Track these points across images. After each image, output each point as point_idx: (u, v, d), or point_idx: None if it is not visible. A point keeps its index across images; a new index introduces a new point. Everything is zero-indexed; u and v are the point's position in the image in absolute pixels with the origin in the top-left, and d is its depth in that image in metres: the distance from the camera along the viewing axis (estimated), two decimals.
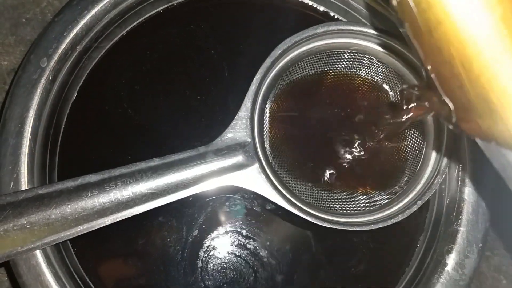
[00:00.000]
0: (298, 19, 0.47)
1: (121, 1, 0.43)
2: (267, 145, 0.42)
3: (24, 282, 0.37)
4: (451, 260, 0.40)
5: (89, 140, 0.44)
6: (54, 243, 0.37)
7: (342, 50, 0.43)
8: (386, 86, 0.44)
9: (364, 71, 0.44)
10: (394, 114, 0.37)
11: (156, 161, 0.38)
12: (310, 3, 0.48)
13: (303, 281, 0.43)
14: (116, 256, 0.43)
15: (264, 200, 0.40)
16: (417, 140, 0.43)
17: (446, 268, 0.40)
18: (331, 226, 0.39)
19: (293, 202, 0.39)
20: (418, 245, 0.43)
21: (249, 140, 0.39)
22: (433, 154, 0.41)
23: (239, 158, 0.39)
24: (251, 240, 0.43)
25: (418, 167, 0.42)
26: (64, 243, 0.41)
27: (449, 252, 0.40)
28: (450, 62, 0.22)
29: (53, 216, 0.36)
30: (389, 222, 0.39)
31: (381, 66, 0.43)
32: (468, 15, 0.20)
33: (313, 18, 0.47)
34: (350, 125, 0.44)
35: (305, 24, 0.41)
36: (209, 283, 0.42)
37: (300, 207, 0.39)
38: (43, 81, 0.40)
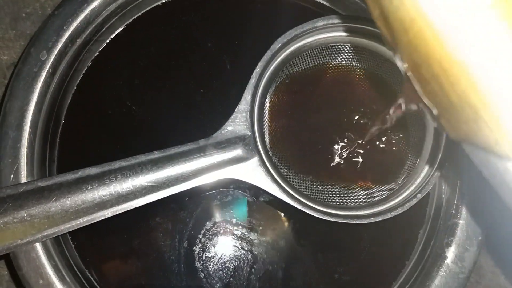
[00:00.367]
0: (298, 13, 0.47)
1: None
2: (267, 139, 0.42)
3: (24, 275, 0.37)
4: (451, 253, 0.40)
5: (88, 133, 0.44)
6: (54, 236, 0.37)
7: (341, 44, 0.43)
8: (386, 80, 0.44)
9: (364, 65, 0.44)
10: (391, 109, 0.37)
11: (156, 154, 0.38)
12: None
13: (301, 274, 0.43)
14: (115, 249, 0.43)
15: (263, 193, 0.40)
16: (417, 134, 0.43)
17: (445, 261, 0.40)
18: (331, 219, 0.39)
19: (292, 195, 0.39)
20: (418, 238, 0.43)
21: (249, 133, 0.39)
22: (433, 147, 0.41)
23: (238, 151, 0.39)
24: (250, 234, 0.43)
25: (417, 161, 0.42)
26: (64, 236, 0.41)
27: (448, 245, 0.40)
28: (428, 62, 0.20)
29: (53, 208, 0.36)
30: (389, 215, 0.39)
31: (380, 60, 0.43)
32: (439, 11, 0.19)
33: (313, 12, 0.47)
34: (350, 119, 0.44)
35: (304, 17, 0.41)
36: (207, 273, 0.42)
37: (299, 200, 0.39)
38: (43, 74, 0.40)
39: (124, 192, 0.37)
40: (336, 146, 0.43)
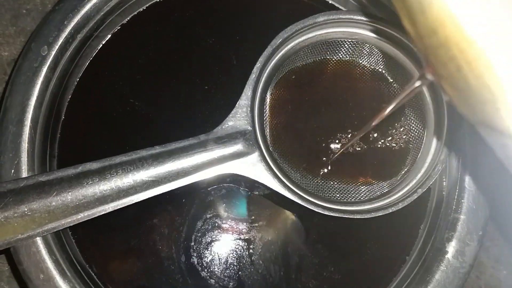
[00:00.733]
0: (299, 8, 0.47)
1: None
2: (268, 134, 0.42)
3: (25, 269, 0.37)
4: (452, 248, 0.40)
5: (89, 128, 0.44)
6: (55, 230, 0.37)
7: (342, 39, 0.43)
8: (386, 75, 0.44)
9: (364, 60, 0.44)
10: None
11: (157, 149, 0.38)
12: None
13: (302, 269, 0.43)
14: (116, 244, 0.43)
15: (263, 188, 0.40)
16: (418, 129, 0.43)
17: (446, 256, 0.40)
18: (332, 214, 0.39)
19: (293, 190, 0.39)
20: (418, 233, 0.43)
21: (249, 128, 0.39)
22: (434, 143, 0.41)
23: (239, 146, 0.39)
24: (251, 229, 0.43)
25: (418, 156, 0.42)
26: (65, 231, 0.41)
27: (449, 240, 0.40)
28: (446, 44, 0.21)
29: (53, 203, 0.36)
30: (390, 210, 0.39)
31: (381, 55, 0.43)
32: None
33: (314, 7, 0.47)
34: (351, 114, 0.44)
35: (305, 13, 0.41)
36: (206, 265, 0.42)
37: (300, 195, 0.39)
38: (43, 69, 0.40)
39: (125, 186, 0.37)
40: (337, 141, 0.43)
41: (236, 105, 0.40)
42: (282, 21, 0.41)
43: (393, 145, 0.43)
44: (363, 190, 0.42)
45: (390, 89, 0.44)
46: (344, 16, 0.42)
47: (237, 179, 0.43)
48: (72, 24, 0.41)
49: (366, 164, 0.43)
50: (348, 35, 0.43)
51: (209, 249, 0.43)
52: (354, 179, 0.43)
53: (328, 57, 0.44)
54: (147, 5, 0.46)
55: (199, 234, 0.43)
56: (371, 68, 0.44)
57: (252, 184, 0.43)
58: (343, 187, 0.42)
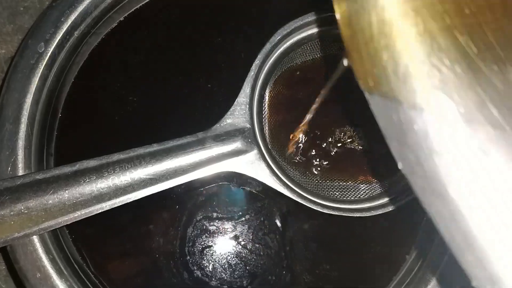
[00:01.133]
0: (298, 5, 0.46)
1: None
2: (267, 131, 0.42)
3: (21, 268, 0.37)
4: None
5: (86, 126, 0.44)
6: (52, 229, 0.36)
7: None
8: None
9: None
10: None
11: (155, 147, 0.38)
12: None
13: (301, 268, 0.42)
14: (113, 242, 0.43)
15: (260, 185, 0.40)
16: None
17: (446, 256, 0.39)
18: (331, 212, 0.38)
19: (292, 188, 0.39)
20: (418, 231, 0.43)
21: (248, 126, 0.39)
22: None
23: (238, 144, 0.39)
24: (250, 228, 0.43)
25: None
26: (62, 229, 0.41)
27: None
28: None
29: (50, 201, 0.36)
30: (390, 208, 0.39)
31: None
32: None
33: (313, 4, 0.47)
34: (351, 111, 0.44)
35: (305, 9, 0.41)
36: (205, 262, 0.42)
37: (299, 193, 0.39)
38: (40, 66, 0.40)
39: (122, 184, 0.37)
40: (336, 139, 0.43)
41: (235, 102, 0.39)
42: (282, 17, 0.41)
43: None
44: (362, 188, 0.42)
45: None
46: None
47: (233, 176, 0.43)
48: (69, 21, 0.41)
49: (366, 161, 0.43)
50: None
51: (205, 247, 0.42)
52: (354, 177, 0.42)
53: (328, 54, 0.44)
54: (145, 2, 0.45)
55: (196, 232, 0.43)
56: None
57: (250, 181, 0.43)
58: (343, 185, 0.42)
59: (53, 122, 0.43)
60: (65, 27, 0.41)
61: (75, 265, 0.39)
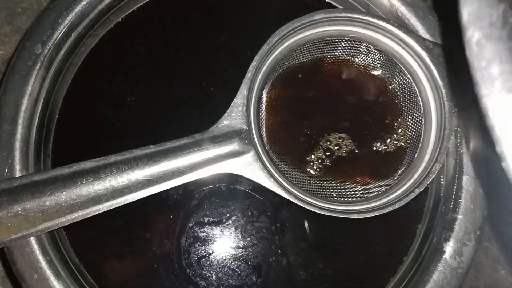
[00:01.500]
0: (295, 6, 0.46)
1: None
2: (264, 133, 0.42)
3: (19, 269, 0.37)
4: (449, 248, 0.39)
5: (84, 127, 0.44)
6: (49, 230, 0.37)
7: (339, 38, 0.43)
8: (383, 73, 0.44)
9: (361, 59, 0.44)
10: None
11: (152, 148, 0.38)
12: None
13: (299, 269, 0.42)
14: (110, 244, 0.43)
15: (259, 186, 0.40)
16: (416, 128, 0.42)
17: (444, 256, 0.39)
18: (328, 214, 0.38)
19: (289, 190, 0.39)
20: (416, 233, 0.43)
21: (245, 127, 0.39)
22: (432, 142, 0.41)
23: (235, 146, 0.39)
24: (248, 228, 0.43)
25: (416, 155, 0.42)
26: (59, 231, 0.41)
27: (447, 240, 0.40)
28: None
29: (47, 203, 0.36)
30: (387, 210, 0.38)
31: (378, 53, 0.43)
32: None
33: (310, 5, 0.47)
34: (348, 113, 0.44)
35: (302, 11, 0.41)
36: (200, 263, 0.42)
37: (296, 194, 0.39)
38: (38, 67, 0.40)
39: (120, 186, 0.37)
40: (334, 140, 0.43)
41: (232, 104, 0.39)
42: (279, 18, 0.41)
43: (390, 144, 0.43)
44: (360, 189, 0.42)
45: (387, 87, 0.44)
46: (341, 14, 0.42)
47: (236, 178, 0.43)
48: (66, 22, 0.41)
49: (363, 163, 0.43)
50: (345, 33, 0.43)
51: (202, 248, 0.42)
52: (351, 178, 0.42)
53: (325, 56, 0.44)
54: (142, 4, 0.45)
55: (193, 233, 0.43)
56: (368, 66, 0.44)
57: (251, 184, 0.43)
58: (340, 187, 0.42)
59: (51, 123, 0.43)
60: (62, 29, 0.41)
61: (73, 267, 0.39)
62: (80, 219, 0.36)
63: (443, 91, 0.40)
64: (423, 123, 0.42)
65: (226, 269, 0.42)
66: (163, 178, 0.38)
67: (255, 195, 0.43)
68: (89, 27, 0.43)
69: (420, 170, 0.41)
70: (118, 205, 0.37)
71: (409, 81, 0.43)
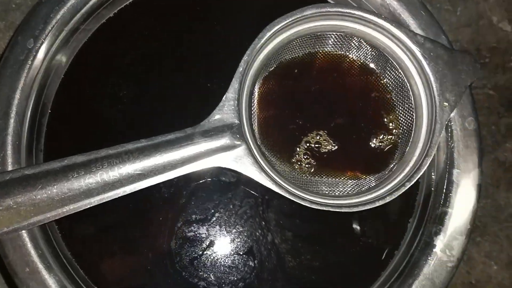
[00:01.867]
0: (287, 0, 0.46)
1: None
2: (255, 127, 0.42)
3: (10, 263, 0.37)
4: (440, 242, 0.40)
5: (76, 121, 0.44)
6: (40, 224, 0.37)
7: (330, 32, 0.43)
8: (375, 68, 0.44)
9: (353, 53, 0.44)
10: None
11: (143, 142, 0.38)
12: None
13: (289, 264, 0.42)
14: (102, 238, 0.43)
15: (253, 182, 0.40)
16: (407, 122, 0.43)
17: (434, 250, 0.40)
18: (319, 208, 0.38)
19: (280, 184, 0.39)
20: (407, 228, 0.43)
21: (236, 121, 0.39)
22: (422, 136, 0.41)
23: (226, 140, 0.39)
24: (240, 223, 0.43)
25: (407, 149, 0.42)
26: (51, 224, 0.41)
27: (437, 233, 0.40)
28: None
29: (39, 196, 0.36)
30: (377, 204, 0.38)
31: (370, 48, 0.43)
32: None
33: (302, 0, 0.47)
34: (340, 108, 0.44)
35: (293, 5, 0.41)
36: (194, 264, 0.42)
37: (287, 189, 0.39)
38: (30, 62, 0.40)
39: (111, 180, 0.37)
40: (325, 135, 0.43)
41: (223, 98, 0.39)
42: (271, 13, 0.41)
43: (381, 138, 0.43)
44: (350, 184, 0.42)
45: (379, 82, 0.44)
46: (332, 9, 0.42)
47: (229, 173, 0.43)
48: (59, 17, 0.41)
49: (354, 157, 0.43)
50: (337, 28, 0.43)
51: (196, 244, 0.42)
52: (342, 173, 0.42)
53: (316, 50, 0.44)
54: None
55: (187, 228, 0.43)
56: (360, 61, 0.44)
57: (243, 179, 0.43)
58: (331, 181, 0.42)
59: (43, 117, 0.43)
60: (54, 23, 0.41)
61: (64, 261, 0.40)
62: (71, 213, 0.37)
63: (434, 85, 0.40)
64: (414, 117, 0.42)
65: (225, 265, 0.42)
66: (154, 172, 0.38)
67: (247, 189, 0.44)
68: (81, 22, 0.43)
69: (411, 164, 0.41)
70: (109, 199, 0.37)
71: (400, 76, 0.43)
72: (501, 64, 0.54)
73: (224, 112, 0.39)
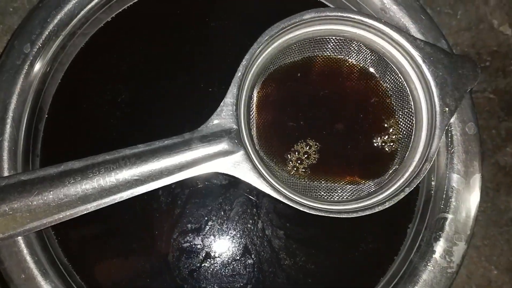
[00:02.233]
0: (285, 5, 0.46)
1: None
2: (254, 132, 0.42)
3: (6, 269, 0.37)
4: (439, 247, 0.39)
5: (73, 127, 0.44)
6: (37, 230, 0.36)
7: (330, 37, 0.43)
8: (375, 72, 0.44)
9: (352, 58, 0.44)
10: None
11: (140, 148, 0.38)
12: None
13: (288, 268, 0.42)
14: (100, 244, 0.42)
15: (252, 188, 0.40)
16: (406, 127, 0.42)
17: (434, 256, 0.39)
18: (318, 214, 0.38)
19: (278, 189, 0.38)
20: (406, 233, 0.43)
21: (234, 126, 0.39)
22: (422, 141, 0.41)
23: (224, 145, 0.38)
24: (236, 228, 0.43)
25: (407, 154, 0.41)
26: (47, 230, 0.41)
27: (437, 239, 0.40)
28: None
29: (35, 202, 0.36)
30: (376, 209, 0.38)
31: (369, 52, 0.43)
32: None
33: (301, 4, 0.46)
34: (339, 112, 0.44)
35: (292, 10, 0.41)
36: (190, 267, 0.42)
37: (285, 194, 0.38)
38: (26, 67, 0.40)
39: (108, 186, 0.37)
40: (324, 140, 0.43)
41: (222, 103, 0.39)
42: (270, 18, 0.41)
43: (381, 143, 0.43)
44: (350, 189, 0.42)
45: (378, 87, 0.44)
46: (331, 13, 0.41)
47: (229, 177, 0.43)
48: (56, 21, 0.41)
49: (353, 162, 0.43)
50: (336, 32, 0.42)
51: (191, 246, 0.42)
52: (341, 178, 0.42)
53: (315, 55, 0.44)
54: (132, 3, 0.45)
55: (182, 231, 0.42)
56: (359, 65, 0.44)
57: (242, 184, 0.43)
58: (330, 186, 0.42)
59: (40, 123, 0.43)
60: (51, 28, 0.41)
61: (61, 267, 0.39)
62: (68, 219, 0.36)
63: (434, 90, 0.40)
64: (414, 122, 0.42)
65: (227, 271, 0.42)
66: (151, 178, 0.38)
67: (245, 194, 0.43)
68: (78, 26, 0.43)
69: (410, 169, 0.40)
70: (106, 205, 0.37)
71: (400, 80, 0.43)
72: (501, 68, 0.54)
73: (222, 117, 0.39)
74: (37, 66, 0.41)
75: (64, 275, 0.39)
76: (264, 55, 0.42)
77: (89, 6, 0.42)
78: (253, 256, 0.42)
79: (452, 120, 0.41)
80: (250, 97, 0.42)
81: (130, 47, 0.45)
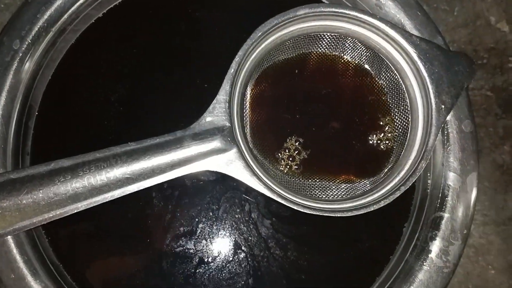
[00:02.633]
0: (279, 0, 0.46)
1: None
2: (247, 130, 0.41)
3: None
4: (435, 247, 0.39)
5: (63, 125, 0.43)
6: (26, 229, 0.36)
7: (324, 33, 0.42)
8: (369, 69, 0.43)
9: (347, 54, 0.43)
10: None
11: (132, 146, 0.37)
12: None
13: (284, 267, 0.42)
14: (91, 243, 0.42)
15: (245, 187, 0.39)
16: (402, 124, 0.42)
17: (429, 255, 0.39)
18: (312, 212, 0.38)
19: (272, 188, 0.38)
20: (402, 232, 0.42)
21: (227, 124, 0.38)
22: (418, 139, 0.40)
23: (217, 143, 0.38)
24: (231, 227, 0.42)
25: (402, 153, 0.41)
26: (38, 230, 0.40)
27: (433, 238, 0.39)
28: None
29: (24, 201, 0.35)
30: (371, 208, 0.38)
31: (364, 49, 0.42)
32: None
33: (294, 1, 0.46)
34: (334, 110, 0.43)
35: (286, 5, 0.40)
36: (184, 266, 0.41)
37: (279, 193, 0.38)
38: (16, 63, 0.40)
39: (98, 184, 0.36)
40: (319, 137, 0.42)
41: (214, 100, 0.39)
42: (265, 13, 0.40)
43: (377, 141, 0.42)
44: (344, 187, 0.41)
45: (373, 83, 0.43)
46: (326, 9, 0.41)
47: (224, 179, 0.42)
48: (45, 17, 0.40)
49: (348, 161, 0.42)
50: (330, 28, 0.42)
51: (184, 246, 0.42)
52: (336, 176, 0.42)
53: (310, 51, 0.43)
54: None
55: (175, 231, 0.42)
56: (354, 62, 0.43)
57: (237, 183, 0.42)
58: (325, 185, 0.41)
59: (30, 120, 0.42)
60: (41, 24, 0.40)
61: (51, 267, 0.39)
62: (58, 218, 0.36)
63: (430, 87, 0.39)
64: (409, 119, 0.41)
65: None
66: (143, 176, 0.37)
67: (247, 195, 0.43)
68: (69, 22, 0.42)
69: (406, 167, 0.40)
70: (97, 203, 0.36)
71: (396, 77, 0.42)
72: (498, 65, 0.53)
73: (215, 114, 0.39)
74: (27, 63, 0.40)
75: (54, 275, 0.38)
76: (257, 51, 0.41)
77: (80, 1, 0.41)
78: (248, 256, 0.42)
79: (448, 117, 0.40)
80: (243, 94, 0.41)
81: (121, 44, 0.45)
